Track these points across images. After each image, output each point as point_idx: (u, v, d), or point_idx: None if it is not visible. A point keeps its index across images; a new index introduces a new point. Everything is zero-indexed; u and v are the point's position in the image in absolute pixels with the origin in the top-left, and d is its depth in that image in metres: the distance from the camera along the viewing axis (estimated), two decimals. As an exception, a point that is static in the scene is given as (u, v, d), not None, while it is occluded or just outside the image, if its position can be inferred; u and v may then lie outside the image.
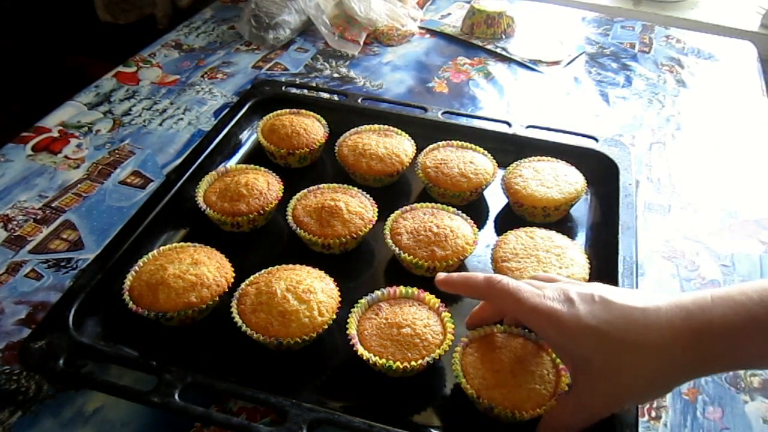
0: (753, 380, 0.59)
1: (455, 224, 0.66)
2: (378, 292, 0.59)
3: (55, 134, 0.86)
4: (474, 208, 0.74)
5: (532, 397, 0.49)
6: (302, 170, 0.80)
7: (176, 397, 0.50)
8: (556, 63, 1.09)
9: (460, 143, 0.78)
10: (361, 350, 0.54)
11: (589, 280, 0.61)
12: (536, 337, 0.52)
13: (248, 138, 0.84)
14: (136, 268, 0.61)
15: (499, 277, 0.48)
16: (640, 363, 0.41)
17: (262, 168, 0.74)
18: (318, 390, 0.55)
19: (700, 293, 0.43)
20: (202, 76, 1.01)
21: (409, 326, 0.55)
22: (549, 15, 1.26)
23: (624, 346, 0.42)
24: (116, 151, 0.84)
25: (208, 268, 0.60)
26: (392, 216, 0.68)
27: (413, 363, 0.53)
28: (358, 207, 0.68)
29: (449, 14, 1.24)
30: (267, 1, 1.11)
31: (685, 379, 0.43)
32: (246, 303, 0.58)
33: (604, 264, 0.64)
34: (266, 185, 0.71)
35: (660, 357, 0.41)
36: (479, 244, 0.67)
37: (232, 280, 0.61)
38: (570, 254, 0.62)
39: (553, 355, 0.51)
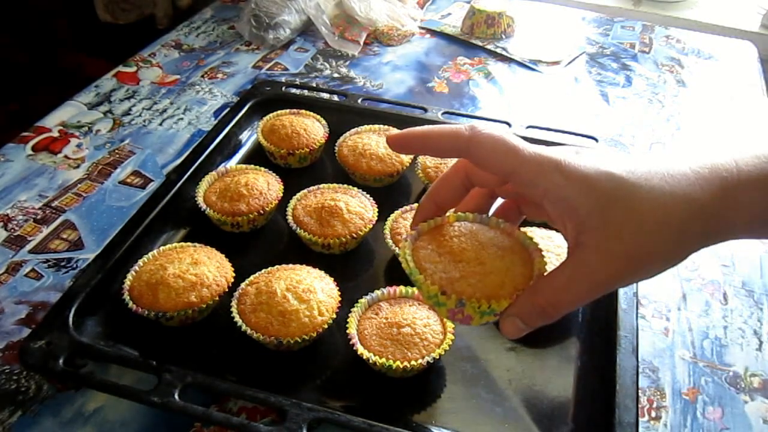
0: (753, 380, 0.59)
1: (455, 224, 0.66)
2: (378, 292, 0.59)
3: (55, 134, 0.86)
4: (474, 208, 0.74)
5: (508, 282, 0.38)
6: (302, 170, 0.80)
7: (176, 396, 0.50)
8: (556, 63, 1.09)
9: (460, 143, 0.78)
10: (361, 350, 0.54)
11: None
12: (498, 221, 0.42)
13: (248, 138, 0.84)
14: (136, 268, 0.61)
15: (482, 124, 0.38)
16: (666, 213, 0.34)
17: (262, 168, 0.74)
18: (318, 389, 0.55)
19: (719, 155, 0.37)
20: (202, 76, 1.01)
21: (409, 326, 0.55)
22: (549, 15, 1.26)
23: (647, 192, 0.34)
24: (116, 151, 0.84)
25: (208, 268, 0.60)
26: (392, 216, 0.68)
27: (413, 362, 0.53)
28: (358, 207, 0.68)
29: (449, 14, 1.24)
30: (267, 1, 1.11)
31: (710, 239, 0.36)
32: (246, 303, 0.58)
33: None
34: (266, 185, 0.71)
35: (687, 205, 0.34)
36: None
37: (232, 280, 0.61)
38: (570, 254, 0.62)
39: (523, 236, 0.41)
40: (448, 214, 0.42)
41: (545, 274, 0.38)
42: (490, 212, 0.44)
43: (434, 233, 0.41)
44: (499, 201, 0.44)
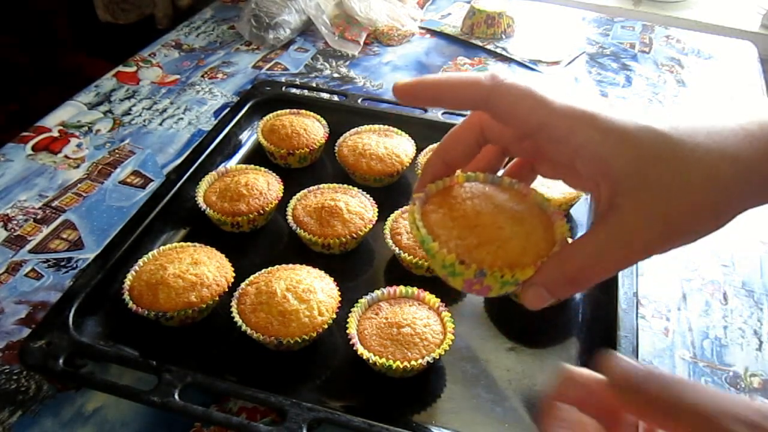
0: (753, 380, 0.59)
1: (455, 224, 0.66)
2: (378, 292, 0.59)
3: (55, 134, 0.86)
4: (474, 208, 0.74)
5: (530, 249, 0.35)
6: (302, 170, 0.80)
7: (176, 396, 0.50)
8: (556, 63, 1.09)
9: (460, 143, 0.78)
10: (361, 350, 0.54)
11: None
12: (511, 182, 0.38)
13: (248, 138, 0.84)
14: (136, 268, 0.61)
15: (503, 72, 0.35)
16: (713, 172, 0.31)
17: (262, 168, 0.74)
18: (318, 390, 0.55)
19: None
20: (202, 76, 1.01)
21: (409, 326, 0.55)
22: (549, 15, 1.26)
23: (692, 149, 0.31)
24: (116, 151, 0.84)
25: (208, 268, 0.60)
26: (392, 216, 0.68)
27: (413, 363, 0.53)
28: (358, 207, 0.68)
29: (449, 14, 1.24)
30: (267, 1, 1.11)
31: (757, 199, 0.33)
32: (246, 303, 0.58)
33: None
34: (266, 185, 0.71)
35: (736, 164, 0.31)
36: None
37: (232, 280, 0.61)
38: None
39: (540, 198, 0.38)
40: (456, 174, 0.38)
41: (572, 239, 0.34)
42: (500, 172, 0.40)
43: (444, 195, 0.37)
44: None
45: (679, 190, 0.31)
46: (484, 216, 0.35)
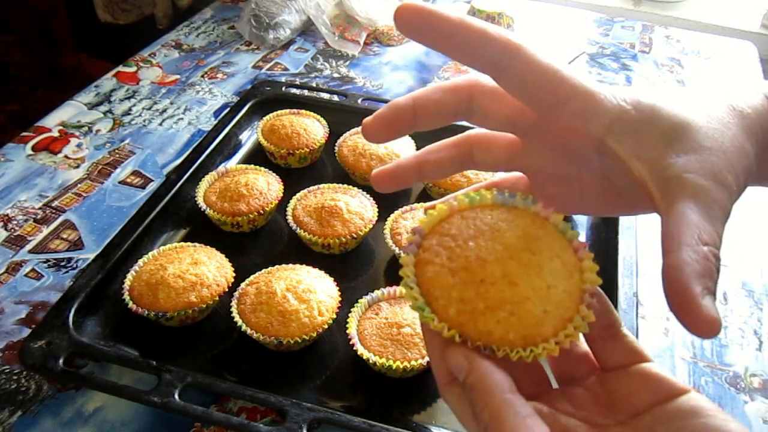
0: (753, 380, 0.59)
1: (455, 224, 0.66)
2: (378, 292, 0.59)
3: (55, 134, 0.86)
4: (474, 208, 0.74)
5: (551, 311, 0.27)
6: (302, 170, 0.80)
7: (176, 396, 0.50)
8: (556, 63, 1.08)
9: (460, 143, 0.78)
10: (361, 350, 0.54)
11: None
12: (526, 199, 0.30)
13: (248, 138, 0.84)
14: (136, 268, 0.61)
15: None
16: (741, 141, 0.28)
17: (262, 168, 0.74)
18: (318, 390, 0.55)
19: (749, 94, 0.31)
20: (202, 76, 1.01)
21: (409, 326, 0.55)
22: (549, 15, 1.26)
23: (725, 124, 0.29)
24: (116, 151, 0.84)
25: (208, 268, 0.60)
26: (392, 216, 0.68)
27: (413, 363, 0.53)
28: (358, 207, 0.68)
29: (449, 14, 1.24)
30: (267, 1, 1.11)
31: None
32: (246, 303, 0.58)
33: (604, 264, 0.64)
34: (266, 185, 0.71)
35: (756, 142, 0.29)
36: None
37: (232, 280, 0.61)
38: (570, 254, 0.62)
39: (563, 224, 0.30)
40: (458, 194, 0.31)
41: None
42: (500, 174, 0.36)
43: (442, 234, 0.29)
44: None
45: (730, 153, 0.28)
46: (491, 265, 0.27)
